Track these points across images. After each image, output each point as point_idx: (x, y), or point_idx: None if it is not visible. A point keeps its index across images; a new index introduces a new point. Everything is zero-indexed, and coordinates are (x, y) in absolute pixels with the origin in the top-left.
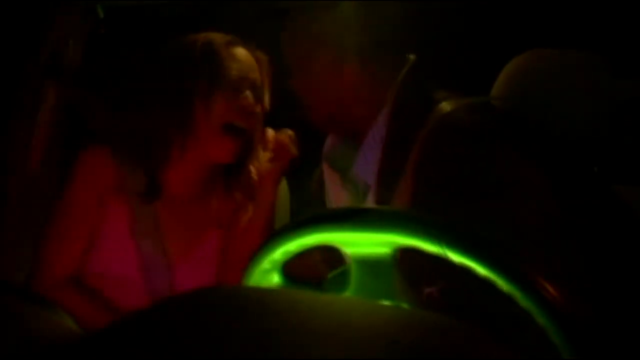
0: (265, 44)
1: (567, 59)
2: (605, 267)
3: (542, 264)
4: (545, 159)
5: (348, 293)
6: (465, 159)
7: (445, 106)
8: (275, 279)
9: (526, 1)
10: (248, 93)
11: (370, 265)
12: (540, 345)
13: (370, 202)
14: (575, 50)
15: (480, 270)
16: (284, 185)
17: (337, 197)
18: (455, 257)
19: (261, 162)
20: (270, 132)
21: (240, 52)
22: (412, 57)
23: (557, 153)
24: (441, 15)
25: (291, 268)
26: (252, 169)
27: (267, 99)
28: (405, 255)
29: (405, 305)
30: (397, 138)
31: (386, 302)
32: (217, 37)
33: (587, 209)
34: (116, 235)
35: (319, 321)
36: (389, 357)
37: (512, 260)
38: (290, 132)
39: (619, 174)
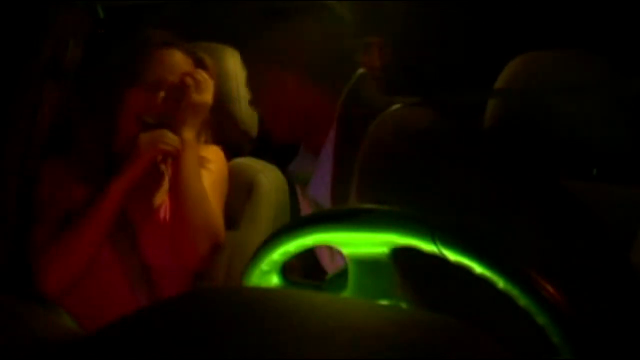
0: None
1: (567, 60)
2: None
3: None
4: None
5: (346, 293)
6: (412, 168)
7: (390, 113)
8: (274, 279)
9: (526, 1)
10: (162, 94)
11: (368, 265)
12: (540, 345)
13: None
14: (575, 50)
15: (478, 269)
16: (284, 186)
17: (304, 209)
18: (453, 256)
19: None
20: None
21: (169, 55)
22: (361, 70)
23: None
24: (442, 16)
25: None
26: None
27: (208, 97)
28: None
29: (404, 305)
30: (345, 147)
31: (385, 302)
32: (155, 37)
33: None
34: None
35: (318, 321)
36: (388, 357)
37: (511, 259)
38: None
39: (619, 174)
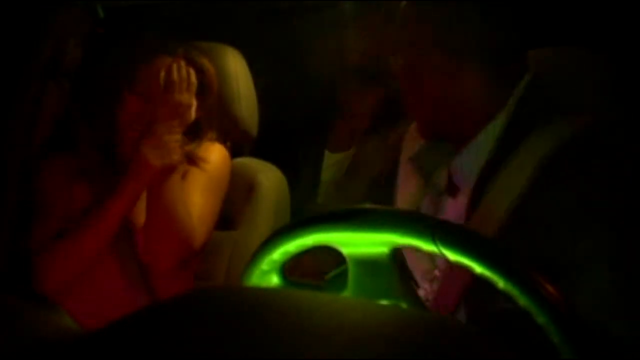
0: (265, 43)
1: (569, 58)
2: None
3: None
4: None
5: (346, 293)
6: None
7: (563, 129)
8: (274, 279)
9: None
10: (152, 103)
11: (368, 265)
12: (540, 345)
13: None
14: (578, 48)
15: (478, 269)
16: (284, 186)
17: (411, 198)
18: (453, 256)
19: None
20: None
21: (160, 63)
22: (531, 69)
23: None
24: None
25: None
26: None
27: (187, 98)
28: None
29: (403, 305)
30: (504, 150)
31: (385, 302)
32: (147, 44)
33: None
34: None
35: (318, 321)
36: (388, 356)
37: (511, 259)
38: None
39: None
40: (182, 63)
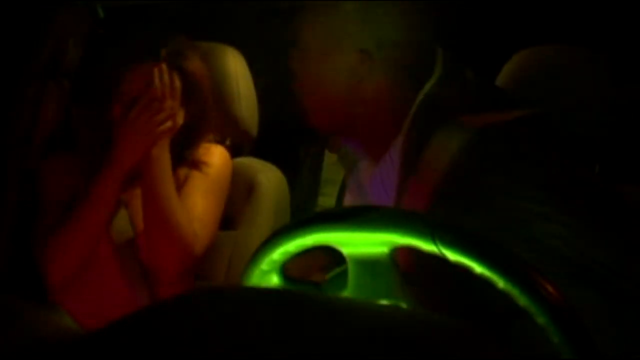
0: (264, 43)
1: (568, 56)
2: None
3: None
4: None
5: (346, 293)
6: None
7: (471, 125)
8: (274, 279)
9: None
10: (135, 109)
11: (368, 265)
12: (540, 345)
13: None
14: (576, 47)
15: (478, 269)
16: (284, 186)
17: (354, 196)
18: (453, 256)
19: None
20: None
21: (148, 71)
22: (439, 72)
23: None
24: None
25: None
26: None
27: (200, 104)
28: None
29: (403, 305)
30: (412, 155)
31: (385, 302)
32: (136, 51)
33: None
34: None
35: (318, 321)
36: (388, 356)
37: (511, 259)
38: None
39: (620, 172)
40: (164, 67)
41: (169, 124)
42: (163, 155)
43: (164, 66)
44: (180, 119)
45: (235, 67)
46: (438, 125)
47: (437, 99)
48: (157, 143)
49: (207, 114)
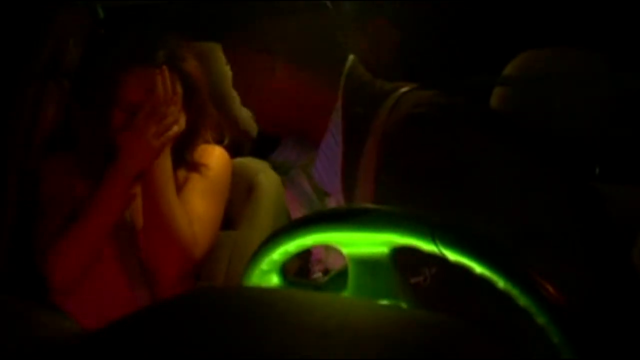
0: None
1: (568, 58)
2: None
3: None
4: (513, 140)
5: (346, 293)
6: (433, 147)
7: (395, 98)
8: (274, 279)
9: (525, 1)
10: (139, 116)
11: (368, 265)
12: (540, 345)
13: (331, 201)
14: (574, 48)
15: (478, 269)
16: (282, 186)
17: (291, 201)
18: (453, 256)
19: None
20: None
21: (146, 75)
22: (351, 57)
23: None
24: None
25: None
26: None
27: (198, 104)
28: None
29: (404, 305)
30: (353, 135)
31: (385, 302)
32: (134, 55)
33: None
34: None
35: (318, 321)
36: (388, 356)
37: (511, 259)
38: None
39: (619, 172)
40: (166, 72)
41: (175, 129)
42: (165, 159)
43: (165, 70)
44: (182, 122)
45: None
46: (367, 99)
47: (358, 73)
48: (164, 149)
49: (205, 114)
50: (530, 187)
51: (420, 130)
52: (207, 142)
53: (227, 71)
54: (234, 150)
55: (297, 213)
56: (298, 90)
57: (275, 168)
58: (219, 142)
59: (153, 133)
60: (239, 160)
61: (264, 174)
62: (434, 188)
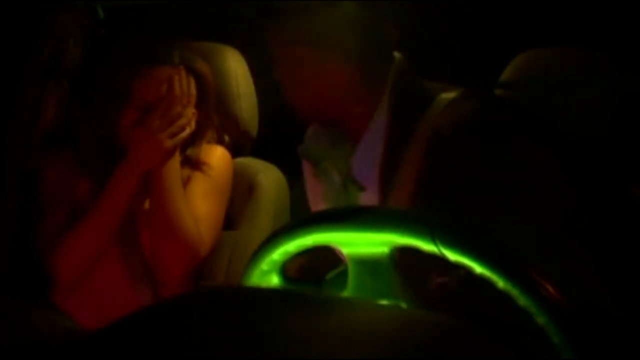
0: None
1: (568, 58)
2: (613, 269)
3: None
4: (561, 150)
5: (346, 293)
6: (483, 155)
7: (443, 103)
8: (274, 279)
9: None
10: (150, 114)
11: (368, 265)
12: (540, 345)
13: (359, 197)
14: (576, 47)
15: (478, 269)
16: (284, 186)
17: (314, 190)
18: (453, 256)
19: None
20: None
21: (158, 73)
22: (398, 54)
23: (572, 145)
24: (445, 14)
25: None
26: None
27: (182, 110)
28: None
29: (404, 305)
30: (398, 133)
31: (385, 302)
32: (145, 54)
33: (605, 212)
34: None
35: (318, 321)
36: (388, 356)
37: (511, 259)
38: None
39: (620, 172)
40: (183, 73)
41: (187, 130)
42: (174, 158)
43: (182, 70)
44: (193, 124)
45: (235, 67)
46: (415, 99)
47: (407, 76)
48: (175, 149)
49: (213, 116)
50: (573, 193)
51: (471, 138)
52: (209, 141)
53: (228, 71)
54: (234, 150)
55: (317, 205)
56: (347, 83)
57: (307, 156)
58: (219, 142)
59: (166, 133)
60: (239, 160)
61: (264, 174)
62: (480, 196)
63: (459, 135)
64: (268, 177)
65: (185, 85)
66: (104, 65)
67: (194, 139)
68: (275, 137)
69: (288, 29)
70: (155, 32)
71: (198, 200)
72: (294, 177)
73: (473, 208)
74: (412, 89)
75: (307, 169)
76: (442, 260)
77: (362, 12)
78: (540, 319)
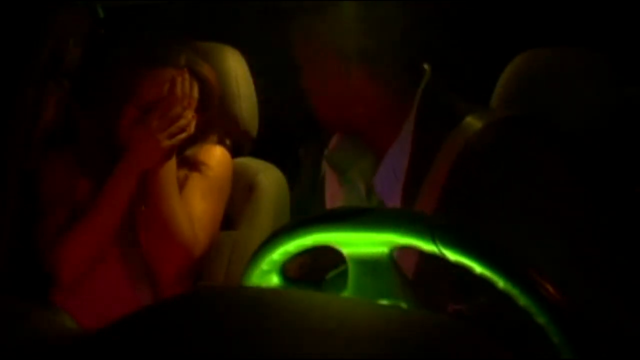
0: (265, 43)
1: (568, 58)
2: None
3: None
4: (587, 178)
5: (346, 293)
6: (499, 184)
7: (474, 124)
8: (274, 279)
9: (526, 1)
10: (153, 114)
11: (368, 265)
12: (540, 345)
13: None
14: (576, 48)
15: (478, 269)
16: (284, 186)
17: (335, 197)
18: (453, 256)
19: None
20: None
21: (162, 75)
22: (427, 66)
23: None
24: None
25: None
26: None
27: (181, 111)
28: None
29: (404, 305)
30: (423, 150)
31: (385, 302)
32: (150, 54)
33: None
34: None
35: (318, 321)
36: (388, 356)
37: (511, 259)
38: None
39: (620, 172)
40: (187, 76)
41: (187, 131)
42: (170, 158)
43: (186, 74)
44: (192, 127)
45: (235, 67)
46: (442, 117)
47: (435, 92)
48: (174, 149)
49: (214, 119)
50: (595, 216)
51: (502, 163)
52: (209, 142)
53: (228, 71)
54: (234, 150)
55: None
56: (371, 95)
57: (333, 165)
58: (220, 142)
59: (165, 133)
60: (239, 160)
61: (264, 174)
62: (507, 218)
63: (488, 159)
64: (268, 177)
65: (187, 88)
66: (107, 64)
67: (194, 141)
68: (275, 137)
69: (301, 28)
70: (155, 32)
71: (195, 200)
72: (294, 177)
73: (496, 226)
74: (439, 107)
75: (330, 176)
76: (460, 287)
77: (374, 14)
78: (540, 319)
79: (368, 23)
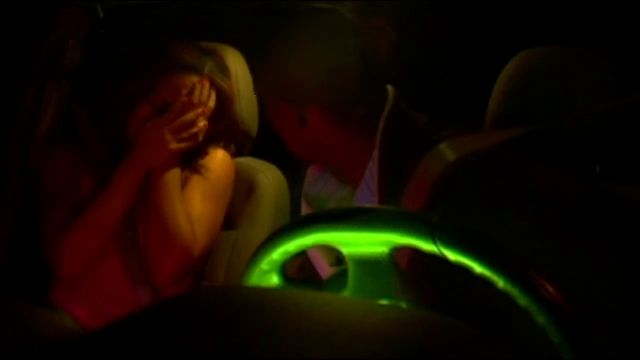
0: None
1: (568, 57)
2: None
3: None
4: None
5: (346, 293)
6: (487, 206)
7: (446, 154)
8: (274, 279)
9: (526, 1)
10: (168, 116)
11: (368, 265)
12: (540, 345)
13: None
14: (576, 47)
15: (478, 269)
16: (284, 186)
17: None
18: (453, 256)
19: None
20: None
21: (185, 80)
22: (390, 89)
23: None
24: (443, 14)
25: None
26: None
27: (193, 118)
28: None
29: (404, 305)
30: (392, 185)
31: (385, 302)
32: (174, 59)
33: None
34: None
35: (318, 321)
36: (388, 356)
37: (511, 259)
38: None
39: (620, 172)
40: (207, 84)
41: (195, 140)
42: (174, 160)
43: (207, 83)
44: (201, 137)
45: (235, 67)
46: (408, 140)
47: (400, 115)
48: (180, 153)
49: (225, 130)
50: (592, 261)
51: (475, 187)
52: (215, 147)
53: (231, 71)
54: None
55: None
56: (331, 138)
57: (310, 202)
58: (223, 147)
59: (175, 137)
60: (239, 160)
61: (264, 174)
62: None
63: (460, 199)
64: (268, 177)
65: (205, 96)
66: (127, 69)
67: (200, 147)
68: (275, 137)
69: (253, 69)
70: (155, 32)
71: (196, 202)
72: (294, 177)
73: None
74: (404, 137)
75: (305, 206)
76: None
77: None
78: (540, 319)
79: (315, 61)
